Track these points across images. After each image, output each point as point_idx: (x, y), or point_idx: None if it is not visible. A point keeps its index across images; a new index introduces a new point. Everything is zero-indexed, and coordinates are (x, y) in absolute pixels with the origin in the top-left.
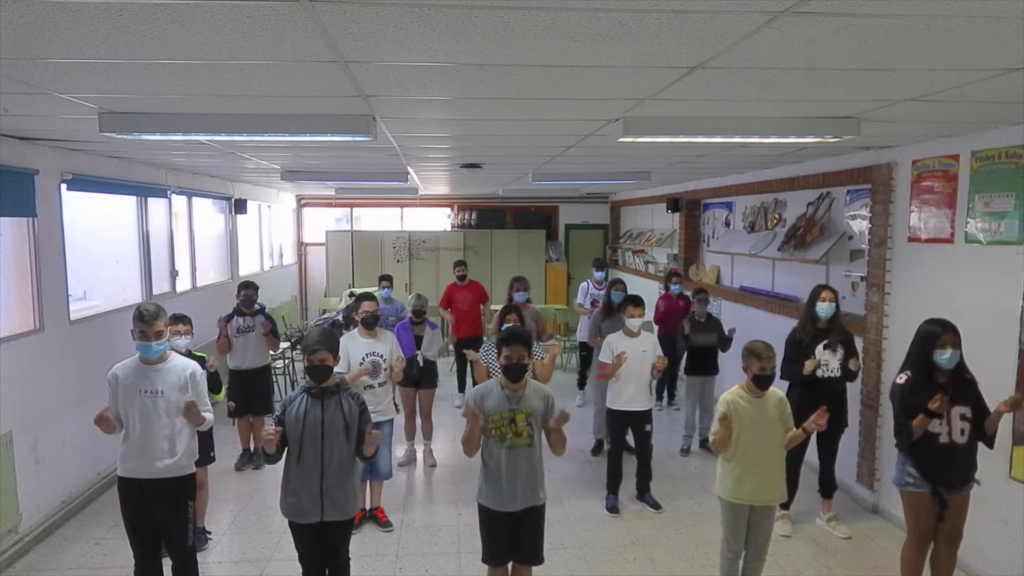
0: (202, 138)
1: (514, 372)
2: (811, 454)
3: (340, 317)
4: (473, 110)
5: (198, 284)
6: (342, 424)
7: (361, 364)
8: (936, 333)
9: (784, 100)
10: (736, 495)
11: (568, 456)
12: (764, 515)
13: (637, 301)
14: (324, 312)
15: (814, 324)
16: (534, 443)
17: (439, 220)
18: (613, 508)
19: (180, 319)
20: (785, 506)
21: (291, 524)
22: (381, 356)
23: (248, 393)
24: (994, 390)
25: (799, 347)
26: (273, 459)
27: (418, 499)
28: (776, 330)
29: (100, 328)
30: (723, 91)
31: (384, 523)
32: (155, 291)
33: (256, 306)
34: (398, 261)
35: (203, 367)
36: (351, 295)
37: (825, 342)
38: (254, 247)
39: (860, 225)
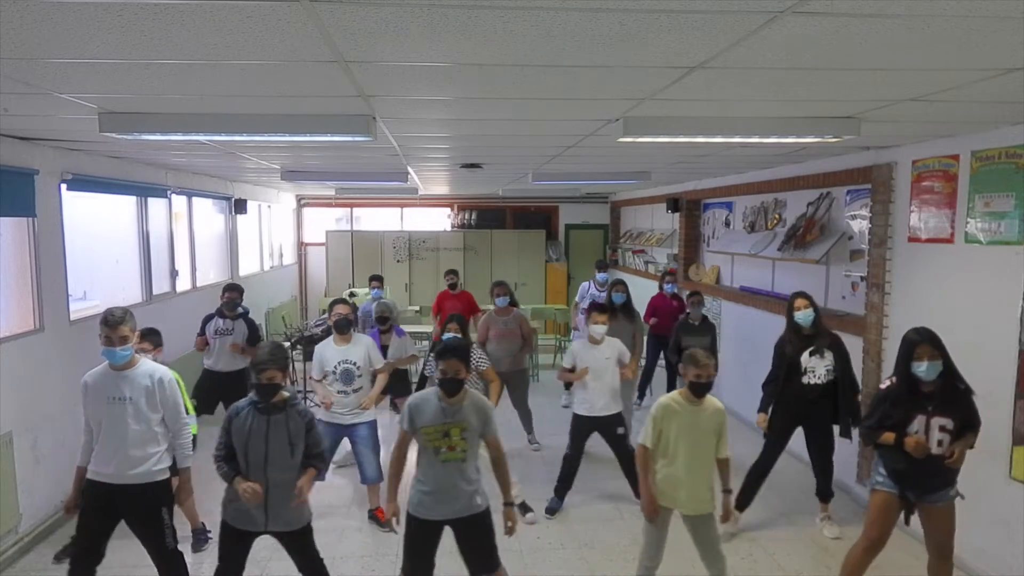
0: (202, 138)
1: (450, 386)
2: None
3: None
4: (473, 110)
5: (198, 284)
6: (286, 441)
7: (333, 371)
8: (913, 343)
9: (784, 100)
10: (661, 498)
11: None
12: (699, 524)
13: (601, 308)
14: (324, 312)
15: (798, 333)
16: (468, 457)
17: (439, 220)
18: (551, 510)
19: (146, 335)
20: (739, 508)
21: (227, 527)
22: (354, 364)
23: (219, 396)
24: (994, 390)
25: (783, 357)
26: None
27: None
28: (776, 330)
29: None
30: (723, 91)
31: (384, 523)
32: (155, 291)
33: (240, 309)
34: (398, 261)
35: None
36: (351, 295)
37: (811, 348)
38: (254, 247)
39: (860, 225)
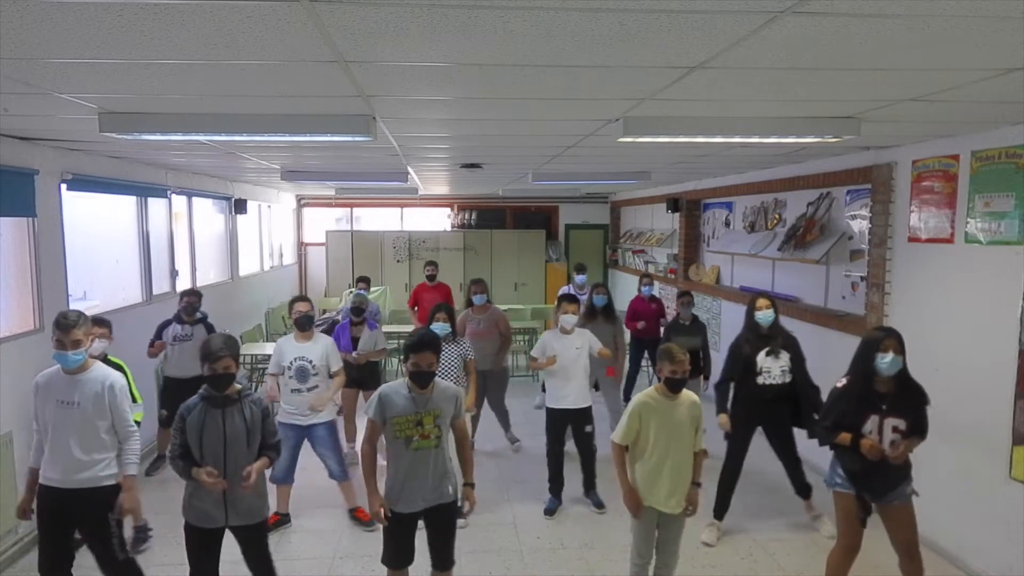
0: (202, 138)
1: (421, 379)
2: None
3: (341, 317)
4: (473, 110)
5: (198, 284)
6: (244, 432)
7: (288, 367)
8: (878, 338)
9: (784, 100)
10: (645, 499)
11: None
12: (672, 520)
13: (572, 299)
14: (324, 312)
15: (756, 333)
16: (441, 444)
17: (439, 220)
18: (549, 511)
19: (96, 322)
20: (718, 517)
21: (191, 528)
22: (310, 361)
23: (181, 403)
24: (994, 390)
25: (740, 357)
26: (184, 471)
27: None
28: None
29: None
30: (723, 91)
31: (367, 522)
32: (155, 291)
33: (198, 315)
34: (398, 261)
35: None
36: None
37: (767, 349)
38: (254, 247)
39: (860, 225)
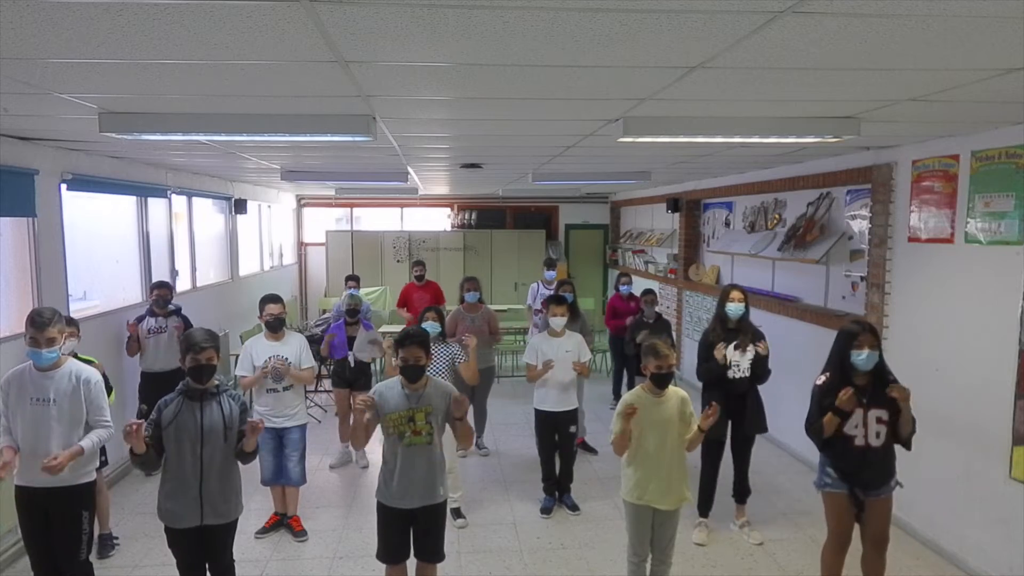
0: (202, 138)
1: (410, 373)
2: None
3: (333, 317)
4: (473, 110)
5: (198, 284)
6: (221, 426)
7: (263, 368)
8: (853, 332)
9: (784, 100)
10: (638, 497)
11: None
12: (667, 518)
13: (559, 300)
14: (324, 312)
15: (724, 325)
16: (433, 441)
17: (439, 220)
18: (546, 510)
19: (69, 322)
20: (704, 514)
21: (168, 530)
22: (285, 360)
23: (160, 396)
24: (994, 390)
25: (710, 348)
26: (146, 462)
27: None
28: (775, 331)
29: (100, 328)
30: (723, 91)
31: (298, 532)
32: None
33: (171, 307)
34: (398, 261)
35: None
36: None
37: (735, 343)
38: (254, 247)
39: (860, 225)
